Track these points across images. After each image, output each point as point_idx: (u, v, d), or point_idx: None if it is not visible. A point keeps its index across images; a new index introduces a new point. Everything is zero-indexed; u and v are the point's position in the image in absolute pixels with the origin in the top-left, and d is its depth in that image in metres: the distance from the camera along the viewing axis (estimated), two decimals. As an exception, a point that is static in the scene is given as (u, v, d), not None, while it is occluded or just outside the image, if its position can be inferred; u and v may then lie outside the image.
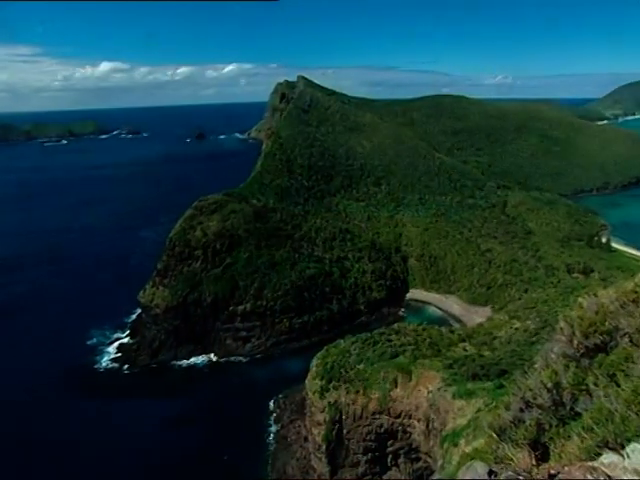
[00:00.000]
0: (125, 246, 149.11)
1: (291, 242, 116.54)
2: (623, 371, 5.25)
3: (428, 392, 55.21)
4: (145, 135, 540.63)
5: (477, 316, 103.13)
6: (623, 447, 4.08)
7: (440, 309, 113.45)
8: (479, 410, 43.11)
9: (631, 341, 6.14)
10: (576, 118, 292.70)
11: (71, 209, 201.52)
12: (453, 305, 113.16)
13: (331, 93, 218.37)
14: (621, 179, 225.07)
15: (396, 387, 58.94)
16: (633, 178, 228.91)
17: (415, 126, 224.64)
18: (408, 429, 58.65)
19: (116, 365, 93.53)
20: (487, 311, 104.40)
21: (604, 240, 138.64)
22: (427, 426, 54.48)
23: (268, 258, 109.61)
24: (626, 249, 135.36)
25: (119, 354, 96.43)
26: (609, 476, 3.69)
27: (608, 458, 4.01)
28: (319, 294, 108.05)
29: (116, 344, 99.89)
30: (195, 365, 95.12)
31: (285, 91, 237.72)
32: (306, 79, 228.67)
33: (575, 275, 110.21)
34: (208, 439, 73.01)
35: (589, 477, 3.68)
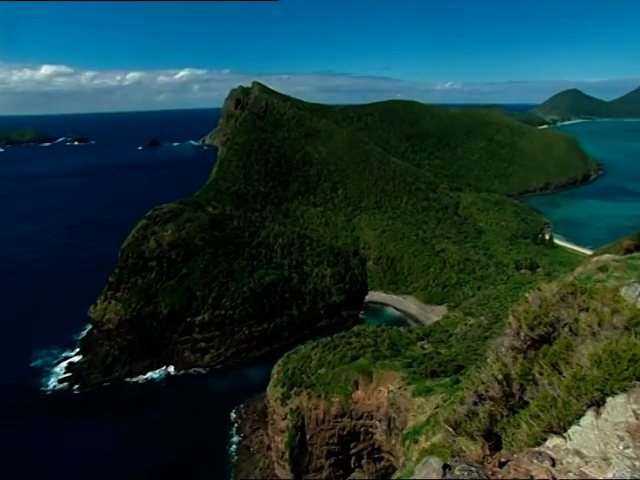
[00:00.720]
0: (72, 260, 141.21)
1: (249, 249, 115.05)
2: (564, 359, 5.36)
3: (389, 392, 55.87)
4: (93, 143, 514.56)
5: (434, 315, 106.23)
6: (565, 430, 4.27)
7: (398, 310, 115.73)
8: (438, 406, 43.96)
9: (571, 330, 6.28)
10: (520, 123, 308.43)
11: (8, 222, 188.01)
12: (411, 305, 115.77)
13: (286, 99, 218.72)
14: (561, 180, 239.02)
15: (357, 389, 59.31)
16: (571, 179, 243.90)
17: (370, 131, 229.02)
18: (370, 430, 59.10)
19: (65, 386, 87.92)
20: (443, 309, 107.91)
21: (547, 237, 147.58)
22: (388, 425, 55.13)
23: (226, 266, 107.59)
24: (567, 245, 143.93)
25: (68, 374, 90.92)
26: (553, 459, 3.85)
27: (553, 442, 4.24)
28: (278, 300, 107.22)
29: (64, 364, 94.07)
30: (152, 380, 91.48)
31: (240, 97, 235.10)
32: (261, 85, 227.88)
33: (523, 271, 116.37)
34: (168, 455, 70.38)
35: (535, 462, 3.78)
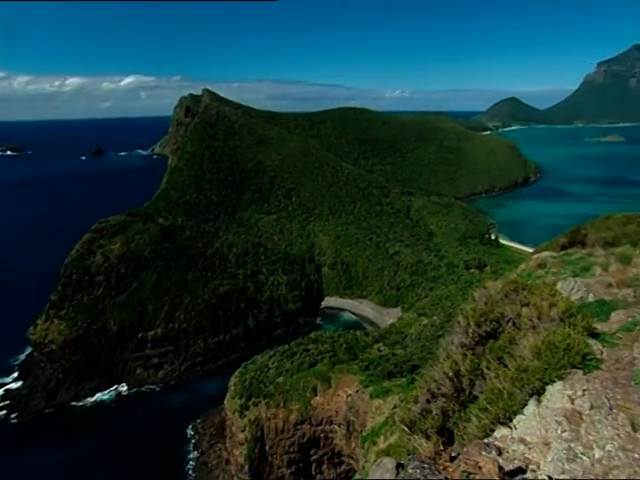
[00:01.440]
0: (7, 278, 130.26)
1: (202, 260, 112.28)
2: (509, 353, 5.60)
3: (347, 396, 56.25)
4: (29, 153, 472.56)
5: (389, 317, 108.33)
6: (511, 420, 4.48)
7: (355, 314, 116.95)
8: (395, 406, 44.68)
9: (514, 325, 6.60)
10: (465, 129, 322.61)
11: None
12: (366, 309, 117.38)
13: (238, 107, 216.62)
14: (504, 182, 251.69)
15: (316, 395, 59.27)
16: (513, 181, 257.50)
17: (322, 138, 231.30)
18: (330, 435, 59.17)
19: (1, 415, 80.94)
20: (398, 311, 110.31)
21: (493, 237, 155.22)
22: (348, 429, 55.46)
23: (178, 279, 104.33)
24: (511, 244, 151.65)
25: (5, 402, 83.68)
26: (499, 448, 4.03)
27: (500, 432, 4.45)
28: (234, 311, 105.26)
29: (0, 391, 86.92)
30: (102, 402, 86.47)
31: (190, 105, 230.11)
32: (212, 93, 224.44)
33: (472, 270, 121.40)
34: (123, 478, 66.69)
35: (483, 453, 3.92)
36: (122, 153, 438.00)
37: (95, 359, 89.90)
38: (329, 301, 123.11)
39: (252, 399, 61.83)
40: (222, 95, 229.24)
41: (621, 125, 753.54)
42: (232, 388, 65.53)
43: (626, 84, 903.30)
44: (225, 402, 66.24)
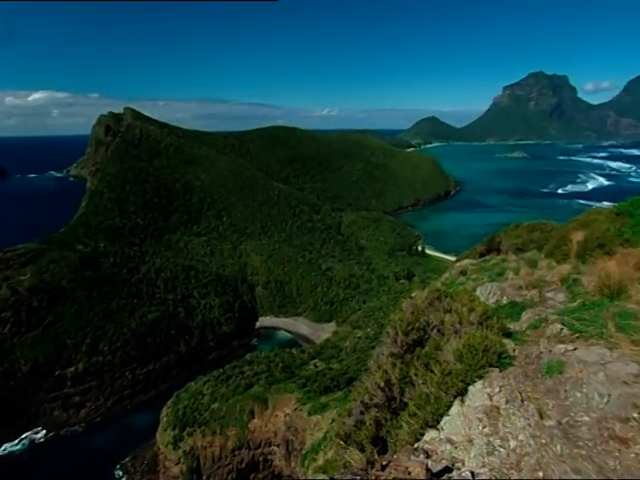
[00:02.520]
0: None
1: (128, 287, 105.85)
2: (434, 358, 5.82)
3: (285, 415, 55.42)
4: None
5: (324, 332, 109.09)
6: (439, 422, 4.64)
7: (290, 332, 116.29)
8: (333, 421, 44.73)
9: (439, 331, 6.91)
10: (391, 146, 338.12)
11: None
12: (302, 326, 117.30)
13: (163, 126, 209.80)
14: (428, 196, 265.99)
15: (253, 418, 57.77)
16: (436, 195, 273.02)
17: (252, 157, 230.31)
18: (269, 457, 57.85)
19: None
20: (332, 326, 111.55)
21: (420, 248, 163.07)
22: (287, 449, 54.56)
23: (102, 308, 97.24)
24: (436, 254, 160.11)
25: None
26: (427, 451, 4.16)
27: (429, 435, 4.58)
28: (164, 338, 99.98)
29: None
30: (11, 453, 76.31)
31: (110, 123, 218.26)
32: (134, 111, 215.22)
33: (401, 281, 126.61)
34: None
35: (412, 458, 4.02)
36: (31, 175, 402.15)
37: (1, 405, 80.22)
38: (264, 321, 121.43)
39: (186, 429, 58.75)
40: (146, 114, 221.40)
41: (525, 142, 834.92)
42: (164, 419, 61.88)
43: (527, 106, 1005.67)
44: (157, 435, 62.28)
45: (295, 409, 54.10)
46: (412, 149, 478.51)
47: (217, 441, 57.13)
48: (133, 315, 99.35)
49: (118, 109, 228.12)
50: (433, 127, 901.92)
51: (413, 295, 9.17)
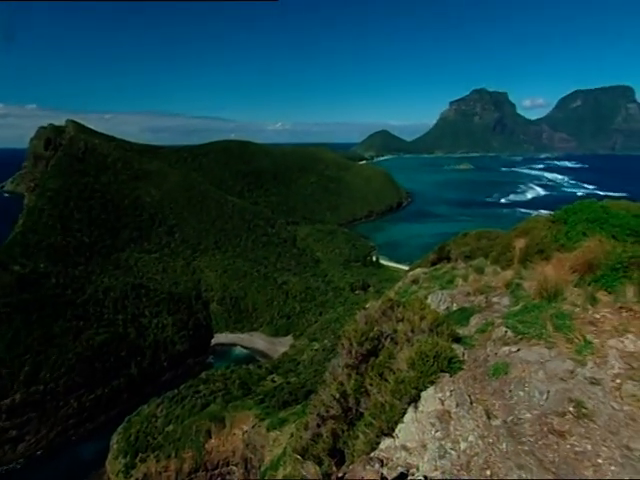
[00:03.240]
0: None
1: (73, 309, 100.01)
2: (388, 367, 5.88)
3: (243, 433, 54.07)
4: None
5: (281, 346, 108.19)
6: (394, 430, 4.68)
7: (247, 348, 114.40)
8: (292, 435, 44.17)
9: (392, 340, 7.02)
10: (344, 159, 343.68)
11: None
12: (258, 341, 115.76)
13: (110, 139, 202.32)
14: (381, 207, 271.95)
15: (210, 438, 55.84)
16: (388, 206, 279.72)
17: (205, 171, 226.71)
18: (227, 477, 56.03)
19: None
20: (290, 339, 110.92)
21: (374, 259, 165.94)
22: (246, 467, 53.17)
23: (42, 332, 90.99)
24: (390, 264, 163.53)
25: None
26: (382, 460, 4.23)
27: (385, 444, 4.62)
28: (113, 361, 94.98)
29: None
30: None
31: (51, 137, 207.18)
32: (77, 124, 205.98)
33: (357, 292, 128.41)
34: None
35: (367, 467, 4.10)
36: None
37: None
38: (219, 337, 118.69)
39: (139, 455, 55.85)
40: (91, 127, 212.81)
41: (471, 155, 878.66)
42: (114, 447, 58.56)
43: (472, 121, 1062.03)
44: (107, 464, 58.78)
45: (253, 426, 52.90)
46: (365, 162, 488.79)
47: (172, 465, 54.68)
48: (79, 338, 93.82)
49: (59, 121, 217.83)
50: (385, 140, 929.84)
51: (367, 306, 9.30)
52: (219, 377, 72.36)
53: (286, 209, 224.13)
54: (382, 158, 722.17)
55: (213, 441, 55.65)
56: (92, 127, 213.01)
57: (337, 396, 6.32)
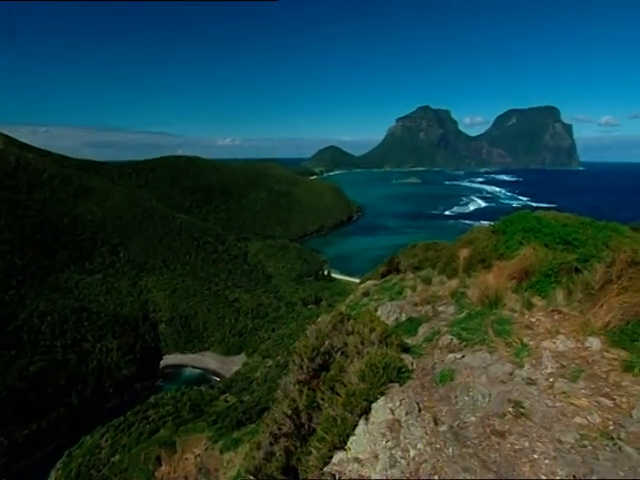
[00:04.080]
0: None
1: (3, 337, 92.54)
2: (339, 380, 5.90)
3: (196, 457, 51.88)
4: None
5: (234, 365, 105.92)
6: (346, 443, 4.65)
7: (198, 368, 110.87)
8: (246, 455, 42.94)
9: (343, 354, 7.08)
10: (295, 174, 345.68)
11: None
12: (210, 361, 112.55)
13: (46, 154, 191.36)
14: (332, 222, 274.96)
15: (160, 465, 53.06)
16: (339, 220, 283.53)
17: (151, 188, 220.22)
18: (181, 506, 53.29)
19: None
20: (242, 358, 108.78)
21: (326, 273, 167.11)
22: (198, 493, 50.84)
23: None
24: (342, 277, 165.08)
25: None
26: (335, 473, 4.23)
27: (337, 457, 4.58)
28: (51, 391, 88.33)
29: None
30: None
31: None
32: (7, 137, 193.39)
33: (310, 306, 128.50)
34: None
35: None
36: None
37: None
38: (169, 359, 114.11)
39: (82, 492, 52.14)
40: (24, 140, 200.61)
41: (417, 169, 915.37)
42: (54, 486, 54.28)
43: (417, 136, 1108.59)
44: (45, 506, 54.31)
45: (206, 448, 50.87)
46: (315, 177, 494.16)
47: (119, 499, 51.41)
48: (10, 368, 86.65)
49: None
50: (334, 155, 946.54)
51: (318, 320, 9.37)
52: (169, 400, 69.44)
53: (236, 225, 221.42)
54: (332, 173, 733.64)
55: (163, 468, 52.90)
56: (25, 141, 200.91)
57: (289, 413, 6.27)
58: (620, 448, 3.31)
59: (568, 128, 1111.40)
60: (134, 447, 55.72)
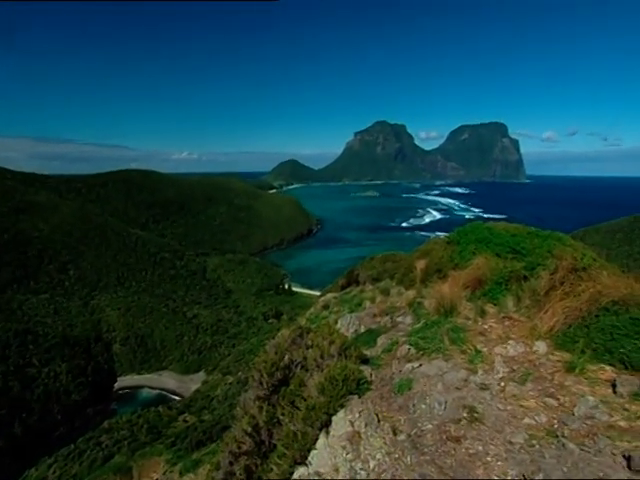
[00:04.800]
0: None
1: None
2: (299, 395, 5.87)
3: (153, 482, 49.51)
4: None
5: (193, 384, 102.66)
6: (307, 458, 4.65)
7: (155, 388, 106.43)
8: (207, 476, 41.43)
9: (303, 368, 7.07)
10: (254, 188, 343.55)
11: None
12: (168, 380, 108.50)
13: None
14: (292, 235, 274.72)
15: (116, 495, 50.24)
16: (299, 233, 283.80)
17: (103, 203, 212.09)
18: (139, 539, 50.49)
19: None
20: (202, 376, 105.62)
21: (286, 286, 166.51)
22: (159, 522, 48.43)
23: None
24: (303, 290, 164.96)
25: None
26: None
27: (298, 473, 4.59)
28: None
29: None
30: None
31: None
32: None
33: (270, 321, 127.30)
34: None
35: None
36: None
37: None
38: (124, 381, 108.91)
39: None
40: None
41: (375, 182, 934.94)
42: (-5, 526, 50.07)
43: (375, 150, 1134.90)
44: None
45: (165, 472, 48.51)
46: (274, 191, 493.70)
47: (70, 534, 48.09)
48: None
49: None
50: (294, 169, 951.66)
51: (278, 335, 9.32)
52: (124, 424, 66.08)
53: (195, 240, 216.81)
54: (292, 187, 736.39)
55: (118, 498, 50.08)
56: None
57: (249, 430, 6.16)
58: (564, 445, 3.50)
59: (515, 143, 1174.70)
60: (85, 476, 52.41)
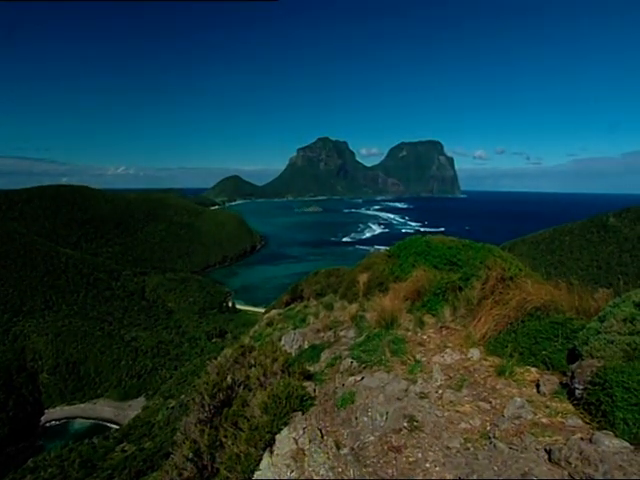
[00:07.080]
0: None
1: None
2: (242, 415, 5.76)
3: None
4: None
5: (132, 410, 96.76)
6: (251, 479, 4.52)
7: (89, 418, 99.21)
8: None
9: (245, 387, 6.94)
10: (195, 204, 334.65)
11: None
12: (104, 409, 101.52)
13: None
14: (235, 252, 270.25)
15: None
16: (242, 250, 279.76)
17: (28, 221, 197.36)
18: None
19: None
20: (142, 401, 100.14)
21: (230, 304, 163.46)
22: None
23: None
24: (247, 307, 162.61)
25: None
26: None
27: None
28: None
29: None
30: None
31: None
32: None
33: (214, 340, 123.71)
34: None
35: None
36: None
37: None
38: (52, 413, 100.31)
39: None
40: None
41: (318, 198, 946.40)
42: None
43: (318, 166, 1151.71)
44: None
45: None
46: (217, 207, 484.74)
47: None
48: None
49: None
50: (236, 185, 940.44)
51: (221, 354, 9.10)
52: (53, 461, 60.82)
53: (132, 259, 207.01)
54: (234, 203, 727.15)
55: None
56: None
57: (190, 456, 5.92)
58: (495, 445, 3.70)
59: (450, 160, 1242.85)
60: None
